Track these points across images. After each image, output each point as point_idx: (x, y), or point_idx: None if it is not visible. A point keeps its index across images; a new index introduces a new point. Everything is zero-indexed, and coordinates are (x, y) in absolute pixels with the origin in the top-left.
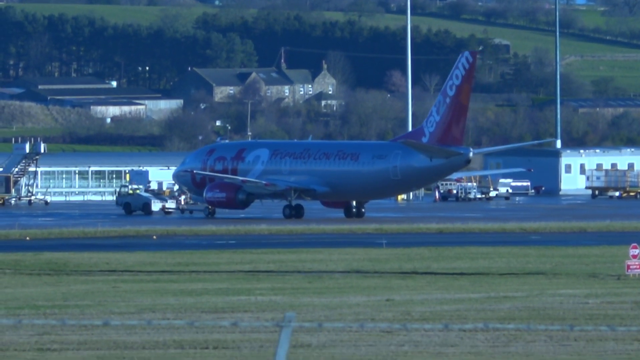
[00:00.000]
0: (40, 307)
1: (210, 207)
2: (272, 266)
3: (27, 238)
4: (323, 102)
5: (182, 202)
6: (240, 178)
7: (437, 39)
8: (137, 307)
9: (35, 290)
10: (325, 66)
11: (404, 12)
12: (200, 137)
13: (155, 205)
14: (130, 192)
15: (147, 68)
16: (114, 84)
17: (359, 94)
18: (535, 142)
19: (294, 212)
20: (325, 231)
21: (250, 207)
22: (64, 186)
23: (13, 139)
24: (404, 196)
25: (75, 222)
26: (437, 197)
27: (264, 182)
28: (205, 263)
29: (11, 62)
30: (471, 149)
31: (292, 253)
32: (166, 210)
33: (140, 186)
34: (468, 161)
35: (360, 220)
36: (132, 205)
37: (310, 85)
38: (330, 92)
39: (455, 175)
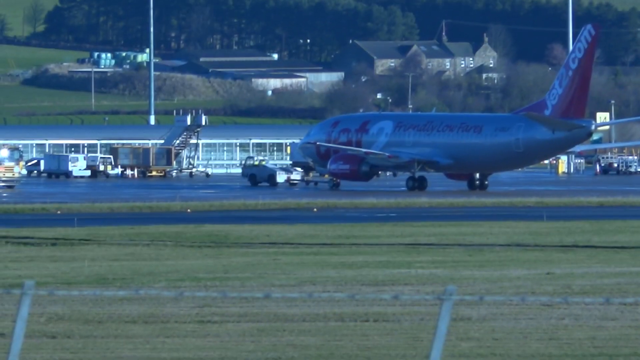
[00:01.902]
0: (201, 279)
1: (334, 179)
2: (433, 239)
3: (188, 210)
4: (484, 75)
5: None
6: (364, 150)
7: (598, 12)
8: (297, 280)
9: (196, 263)
10: (486, 39)
11: None
12: (361, 110)
13: (281, 177)
14: (256, 163)
15: (309, 40)
16: (275, 56)
17: (520, 67)
18: None
19: (417, 184)
20: (486, 204)
21: (375, 180)
22: (225, 158)
23: (174, 111)
24: (564, 169)
25: (236, 195)
26: (598, 170)
27: (387, 154)
28: (366, 236)
29: (173, 35)
30: (593, 122)
31: (453, 226)
32: (291, 181)
33: (266, 158)
34: (590, 134)
35: (517, 193)
36: (257, 177)
37: (471, 58)
38: (491, 65)
39: (578, 148)
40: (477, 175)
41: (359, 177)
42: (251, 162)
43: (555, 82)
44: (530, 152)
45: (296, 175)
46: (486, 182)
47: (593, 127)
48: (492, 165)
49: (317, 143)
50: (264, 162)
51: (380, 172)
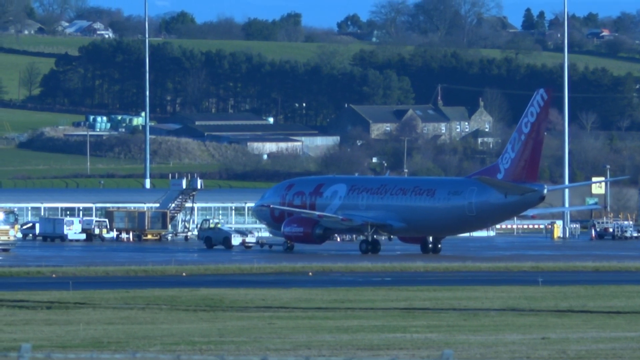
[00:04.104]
0: (197, 343)
1: (288, 241)
2: (428, 303)
3: (184, 274)
4: (479, 140)
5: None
6: (317, 213)
7: (593, 77)
8: (293, 344)
9: (192, 326)
10: (481, 103)
11: (561, 50)
12: (356, 174)
13: (236, 240)
14: (212, 226)
15: (304, 104)
16: (271, 120)
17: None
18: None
19: (371, 247)
20: (481, 269)
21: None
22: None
23: (170, 175)
24: (560, 234)
25: (231, 259)
26: (594, 235)
27: (340, 217)
28: (361, 300)
29: (168, 98)
30: (545, 186)
31: (448, 290)
32: (246, 244)
33: (222, 220)
34: (542, 198)
35: (512, 258)
36: (212, 239)
37: (466, 123)
38: (486, 130)
39: (531, 212)
40: (431, 238)
41: (313, 239)
42: (207, 224)
43: (508, 146)
44: (483, 215)
45: (251, 238)
46: (439, 246)
47: (545, 191)
48: (445, 229)
49: (271, 206)
50: (219, 225)
51: (337, 235)
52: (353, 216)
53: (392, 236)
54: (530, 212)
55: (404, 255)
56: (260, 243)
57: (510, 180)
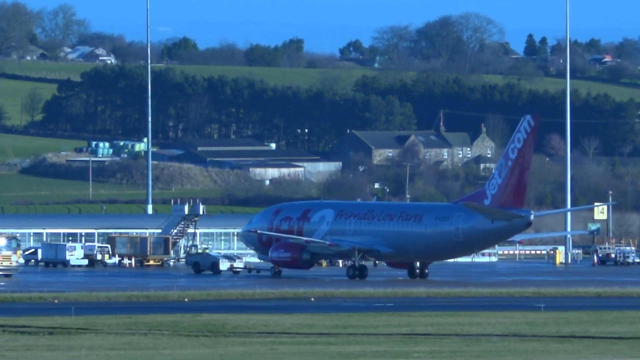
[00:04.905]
0: None
1: (276, 266)
2: (430, 329)
3: (186, 299)
4: (482, 165)
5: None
6: (305, 238)
7: (596, 102)
8: None
9: (193, 352)
10: (484, 129)
11: (563, 76)
12: (358, 199)
13: (224, 265)
14: (200, 251)
15: (306, 130)
16: (273, 145)
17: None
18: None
19: (358, 273)
20: (483, 294)
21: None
22: (222, 248)
23: (172, 201)
24: (562, 260)
25: (234, 284)
26: (596, 260)
27: (327, 242)
28: (363, 325)
29: (171, 124)
30: (532, 212)
31: (450, 316)
32: (234, 269)
33: (210, 246)
34: (529, 224)
35: (514, 283)
36: (200, 265)
37: (469, 149)
38: (489, 155)
39: (518, 238)
40: (418, 263)
41: (300, 265)
42: (195, 250)
43: (494, 172)
44: (470, 241)
45: (239, 263)
46: (426, 271)
47: (532, 217)
48: (432, 254)
49: (259, 231)
50: (207, 250)
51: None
52: (340, 241)
53: (377, 261)
54: (516, 237)
55: (406, 281)
56: (248, 268)
57: (497, 206)
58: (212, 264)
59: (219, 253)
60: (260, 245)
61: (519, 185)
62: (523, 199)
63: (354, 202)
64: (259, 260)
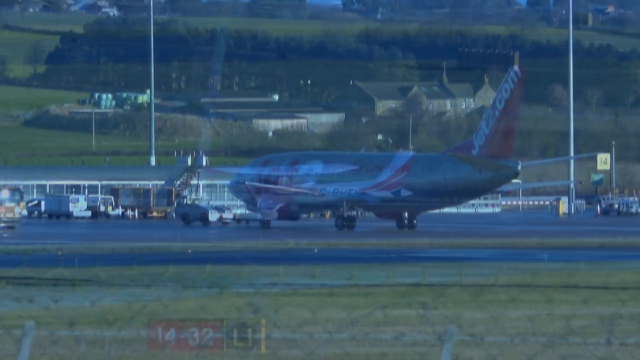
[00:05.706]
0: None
1: (265, 217)
2: (433, 280)
3: (189, 251)
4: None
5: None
6: (293, 189)
7: (599, 53)
8: (297, 320)
9: (197, 303)
10: (487, 80)
11: (566, 26)
12: (362, 150)
13: (213, 216)
14: (189, 202)
15: (309, 82)
16: (276, 97)
17: (520, 108)
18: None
19: (346, 223)
20: (487, 245)
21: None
22: (225, 199)
23: (175, 152)
24: (565, 210)
25: (235, 235)
26: (599, 211)
27: (316, 192)
28: (367, 277)
29: (173, 76)
30: (519, 162)
31: (454, 267)
32: (223, 220)
33: (199, 197)
34: (516, 174)
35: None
36: (190, 216)
37: (472, 99)
38: None
39: (505, 188)
40: (406, 214)
41: (289, 215)
42: (184, 201)
43: (482, 122)
44: (458, 191)
45: (228, 214)
46: (414, 221)
47: (519, 167)
48: (420, 205)
49: (247, 182)
50: (197, 202)
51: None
52: (328, 192)
53: (364, 212)
54: (504, 188)
55: (411, 232)
56: (237, 219)
57: (485, 157)
58: (202, 215)
59: (207, 204)
60: (249, 196)
61: (506, 136)
62: (511, 149)
63: (342, 152)
64: (247, 211)
